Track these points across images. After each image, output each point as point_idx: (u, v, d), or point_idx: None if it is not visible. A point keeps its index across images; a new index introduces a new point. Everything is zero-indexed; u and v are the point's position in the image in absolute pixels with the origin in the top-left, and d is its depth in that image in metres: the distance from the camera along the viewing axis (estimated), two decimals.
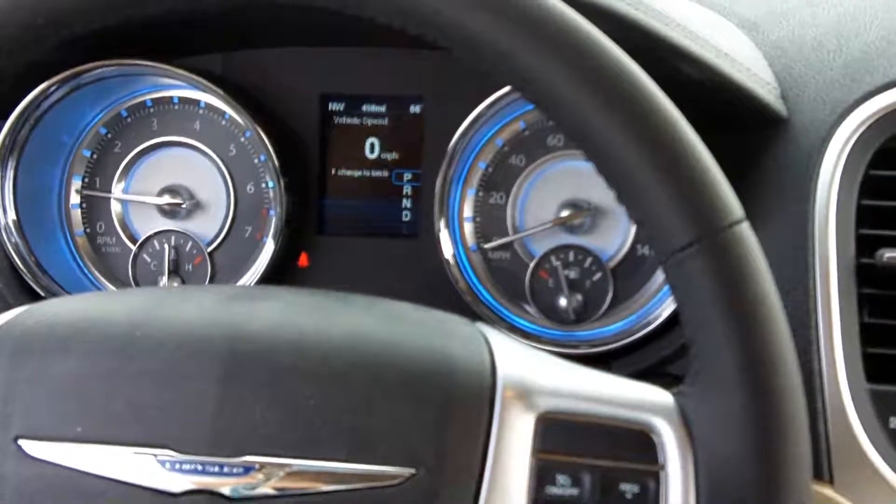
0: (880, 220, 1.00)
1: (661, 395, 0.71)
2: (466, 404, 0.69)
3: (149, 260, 1.27)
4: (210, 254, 1.26)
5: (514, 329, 1.17)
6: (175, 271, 1.26)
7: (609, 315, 1.20)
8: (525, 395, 0.70)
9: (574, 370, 0.74)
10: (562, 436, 0.69)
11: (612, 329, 1.17)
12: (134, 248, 1.27)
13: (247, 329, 0.71)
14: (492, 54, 0.68)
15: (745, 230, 0.67)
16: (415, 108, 1.26)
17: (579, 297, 1.20)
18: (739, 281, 0.65)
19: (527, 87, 0.69)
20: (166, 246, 1.26)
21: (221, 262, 1.27)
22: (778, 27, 1.19)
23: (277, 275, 1.24)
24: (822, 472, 0.96)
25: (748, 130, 1.11)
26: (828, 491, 0.96)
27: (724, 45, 1.07)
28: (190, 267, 1.27)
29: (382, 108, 1.27)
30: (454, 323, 0.77)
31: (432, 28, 0.69)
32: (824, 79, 1.09)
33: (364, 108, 1.28)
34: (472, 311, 1.18)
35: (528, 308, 1.22)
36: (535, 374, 0.72)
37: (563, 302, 1.20)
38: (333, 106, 1.28)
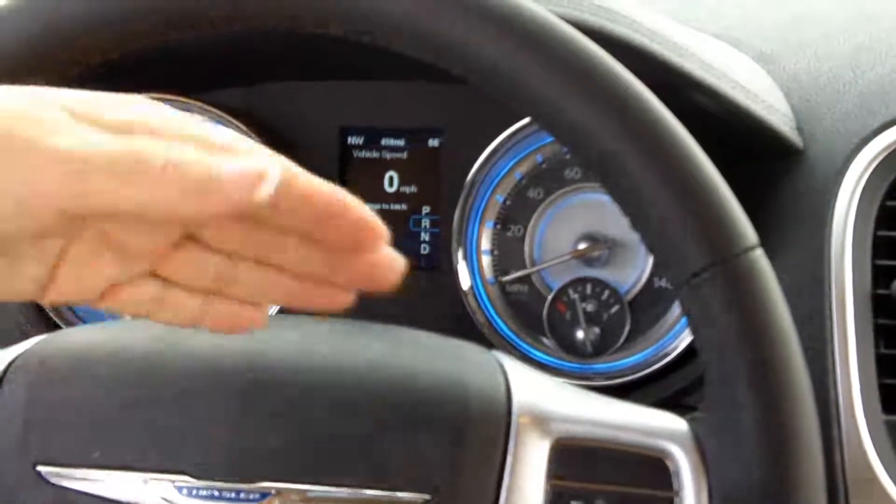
0: None
1: (675, 422, 0.71)
2: (482, 430, 0.69)
3: None
4: None
5: (531, 361, 1.17)
6: None
7: (626, 347, 1.20)
8: (540, 421, 0.70)
9: (589, 397, 0.74)
10: (577, 462, 0.70)
11: (628, 361, 1.17)
12: None
13: (263, 356, 0.72)
14: (507, 82, 0.69)
15: (760, 256, 0.67)
16: (433, 142, 1.27)
17: (597, 329, 1.20)
18: (754, 306, 0.66)
19: (542, 115, 0.69)
20: None
21: None
22: (794, 60, 1.20)
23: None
24: (839, 502, 0.96)
25: (764, 161, 1.11)
26: None
27: (740, 77, 1.08)
28: None
29: (401, 142, 1.28)
30: (470, 350, 0.78)
31: (456, 59, 0.70)
32: (840, 110, 1.09)
33: (383, 141, 1.28)
34: (489, 343, 1.18)
35: (545, 341, 1.22)
36: (550, 401, 0.72)
37: (580, 335, 1.20)
38: (353, 139, 1.28)
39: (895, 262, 1.00)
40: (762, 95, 1.09)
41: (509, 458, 0.69)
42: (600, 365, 1.18)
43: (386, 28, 0.70)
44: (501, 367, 0.75)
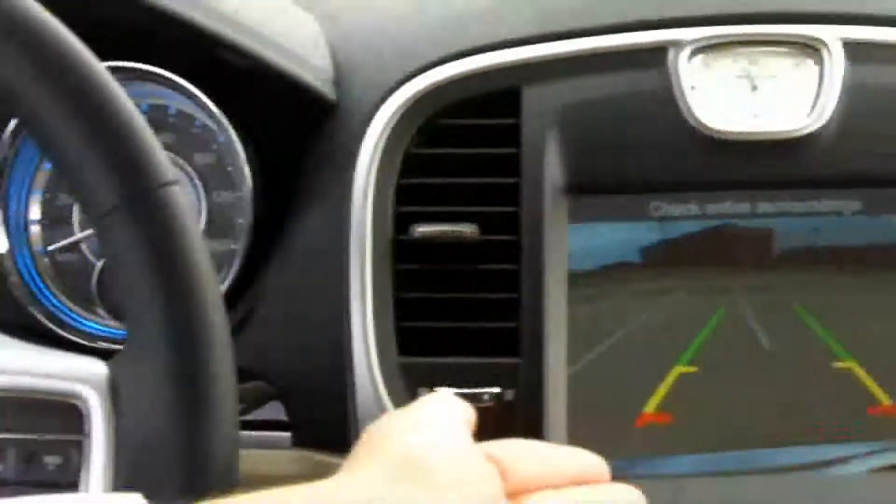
0: (418, 197, 1.02)
1: (93, 365, 0.69)
2: None
3: None
4: None
5: (80, 333, 1.13)
6: None
7: None
8: None
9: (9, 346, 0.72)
10: None
11: None
12: None
13: None
14: None
15: (173, 192, 0.66)
16: None
17: None
18: (163, 241, 0.64)
19: None
20: None
21: None
22: (355, 18, 1.21)
23: None
24: (351, 445, 0.96)
25: (304, 117, 1.11)
26: None
27: (275, 35, 1.08)
28: None
29: None
30: None
31: None
32: (376, 64, 1.10)
33: None
34: (35, 318, 1.13)
35: (100, 310, 1.18)
36: None
37: None
38: None
39: (416, 208, 1.01)
40: (299, 52, 1.09)
41: None
42: None
43: None
44: None
